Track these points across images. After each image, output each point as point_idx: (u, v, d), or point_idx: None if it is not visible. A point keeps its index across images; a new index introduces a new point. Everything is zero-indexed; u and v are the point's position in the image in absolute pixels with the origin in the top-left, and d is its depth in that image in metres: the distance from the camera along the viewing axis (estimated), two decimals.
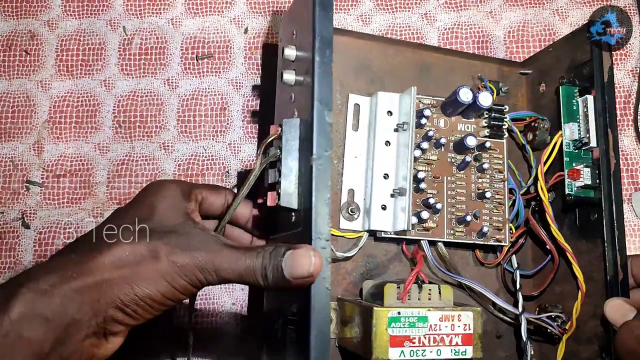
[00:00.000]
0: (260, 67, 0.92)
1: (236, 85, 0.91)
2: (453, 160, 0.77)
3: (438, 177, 0.76)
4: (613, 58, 0.74)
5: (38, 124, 0.90)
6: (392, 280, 0.69)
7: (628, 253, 0.71)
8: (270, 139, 0.64)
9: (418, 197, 0.74)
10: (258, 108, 0.91)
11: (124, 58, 0.92)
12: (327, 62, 0.60)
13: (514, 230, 0.79)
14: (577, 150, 0.75)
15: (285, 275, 0.55)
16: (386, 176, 0.74)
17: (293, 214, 0.62)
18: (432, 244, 0.75)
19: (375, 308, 0.64)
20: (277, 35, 0.91)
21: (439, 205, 0.73)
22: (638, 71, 0.90)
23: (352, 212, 0.74)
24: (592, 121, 0.73)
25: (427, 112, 0.75)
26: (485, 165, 0.77)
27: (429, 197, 0.74)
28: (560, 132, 0.76)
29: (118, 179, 0.88)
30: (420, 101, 0.76)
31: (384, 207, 0.73)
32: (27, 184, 0.88)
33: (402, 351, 0.64)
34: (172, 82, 0.91)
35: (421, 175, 0.73)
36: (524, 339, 0.73)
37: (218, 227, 0.68)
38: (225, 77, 0.91)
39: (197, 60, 0.92)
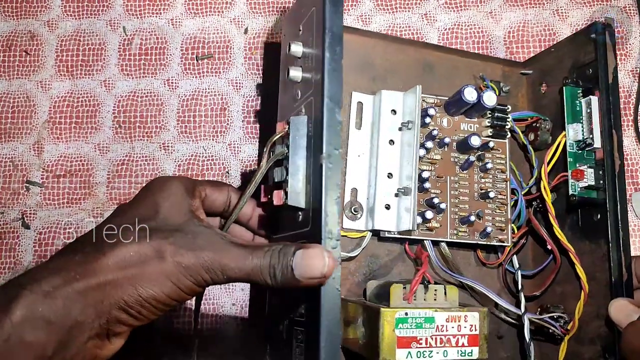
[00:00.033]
0: (260, 67, 0.90)
1: (236, 86, 0.90)
2: (456, 160, 0.75)
3: (441, 176, 0.74)
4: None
5: (38, 124, 0.88)
6: (398, 281, 0.67)
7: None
8: (277, 137, 0.62)
9: (422, 196, 0.73)
10: (258, 108, 0.89)
11: (124, 58, 0.91)
12: (337, 59, 0.58)
13: (515, 231, 0.77)
14: (580, 151, 0.73)
15: (296, 276, 0.53)
16: (390, 175, 0.72)
17: (300, 213, 0.60)
18: (435, 244, 0.74)
19: (382, 309, 0.63)
20: (278, 35, 0.90)
21: (443, 205, 0.72)
22: (638, 71, 0.90)
23: (355, 211, 0.72)
24: (596, 122, 0.72)
25: (431, 111, 0.74)
26: (489, 165, 0.75)
27: (433, 197, 0.72)
28: (563, 133, 0.74)
29: (118, 179, 0.87)
30: (424, 100, 0.75)
31: (387, 207, 0.71)
32: (27, 184, 0.86)
33: (409, 352, 0.63)
34: (172, 83, 0.90)
35: (425, 174, 0.72)
36: (527, 340, 0.72)
37: (225, 226, 0.66)
38: (225, 77, 0.90)
39: (197, 60, 0.91)
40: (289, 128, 0.61)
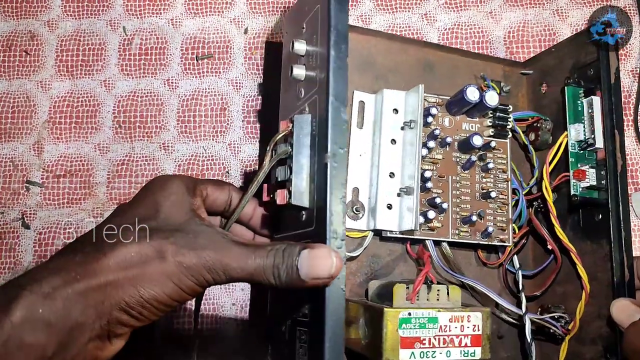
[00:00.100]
0: (260, 67, 0.89)
1: (236, 86, 0.89)
2: (458, 160, 0.75)
3: (443, 176, 0.73)
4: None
5: (38, 124, 0.87)
6: (401, 281, 0.66)
7: None
8: (281, 135, 0.61)
9: (424, 196, 0.72)
10: (258, 108, 0.88)
11: (124, 58, 0.90)
12: (342, 57, 0.57)
13: (517, 231, 0.77)
14: (582, 151, 0.73)
15: (302, 276, 0.52)
16: (392, 175, 0.71)
17: (304, 212, 0.59)
18: (436, 243, 0.73)
19: (385, 309, 0.62)
20: (278, 35, 0.90)
21: (444, 205, 0.71)
22: (638, 71, 0.89)
23: (356, 211, 0.71)
24: (598, 122, 0.71)
25: (433, 111, 0.73)
26: (490, 165, 0.75)
27: (435, 197, 0.71)
28: (565, 133, 0.74)
29: (118, 179, 0.86)
30: (426, 99, 0.74)
31: (389, 206, 0.70)
32: (27, 184, 0.85)
33: (413, 352, 0.62)
34: (172, 83, 0.89)
35: (427, 174, 0.71)
36: (529, 340, 0.72)
37: (226, 226, 0.65)
38: (225, 77, 0.89)
39: (197, 60, 0.90)
40: (292, 126, 0.59)
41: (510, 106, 0.76)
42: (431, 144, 0.72)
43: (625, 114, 0.87)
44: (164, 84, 0.88)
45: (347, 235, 0.70)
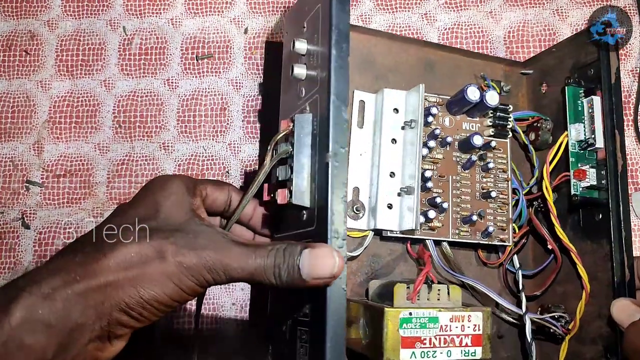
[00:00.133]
0: (260, 67, 0.89)
1: (236, 85, 0.88)
2: (458, 160, 0.74)
3: (443, 176, 0.73)
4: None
5: (38, 124, 0.87)
6: (401, 280, 0.66)
7: None
8: (282, 135, 0.60)
9: (424, 196, 0.72)
10: (258, 108, 0.88)
11: (124, 58, 0.89)
12: (344, 56, 0.57)
13: (517, 230, 0.76)
14: (582, 151, 0.73)
15: (303, 276, 0.52)
16: (392, 174, 0.71)
17: (304, 212, 0.59)
18: (437, 243, 0.73)
19: (386, 309, 0.61)
20: (278, 35, 0.89)
21: (445, 205, 0.71)
22: (638, 71, 0.89)
23: (357, 210, 0.71)
24: (598, 122, 0.71)
25: (434, 110, 0.73)
26: (490, 165, 0.74)
27: (435, 196, 0.71)
28: (565, 133, 0.74)
29: (118, 179, 0.85)
30: (426, 99, 0.73)
31: (390, 206, 0.70)
32: (27, 184, 0.85)
33: (413, 352, 0.61)
34: (172, 82, 0.88)
35: (428, 174, 0.71)
36: (529, 340, 0.72)
37: (227, 226, 0.64)
38: (225, 77, 0.88)
39: (197, 60, 0.89)
40: (293, 126, 0.59)
41: (510, 106, 0.76)
42: (431, 143, 0.72)
43: (625, 114, 0.86)
44: (164, 83, 0.88)
45: (347, 235, 0.70)
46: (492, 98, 0.72)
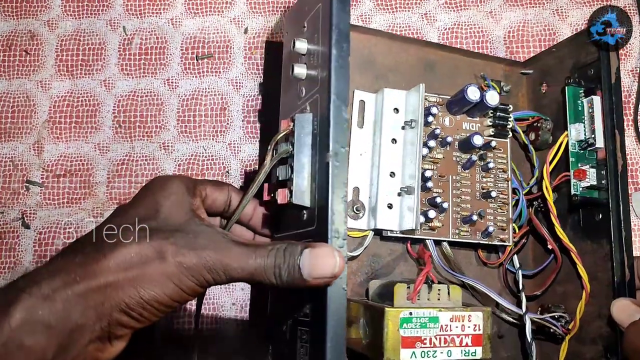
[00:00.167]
0: (260, 67, 0.89)
1: (236, 85, 0.88)
2: (458, 159, 0.74)
3: (443, 175, 0.73)
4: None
5: (38, 124, 0.87)
6: (401, 280, 0.65)
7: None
8: (282, 134, 0.60)
9: (424, 195, 0.71)
10: (258, 108, 0.88)
11: (124, 58, 0.89)
12: (344, 56, 0.56)
13: (517, 230, 0.76)
14: (582, 151, 0.73)
15: (304, 275, 0.52)
16: (392, 174, 0.71)
17: (305, 211, 0.58)
18: (437, 243, 0.73)
19: (387, 309, 0.61)
20: (278, 35, 0.89)
21: (445, 205, 0.71)
22: (638, 71, 0.89)
23: (357, 210, 0.71)
24: (599, 122, 0.71)
25: (434, 110, 0.73)
26: (490, 165, 0.74)
27: (436, 196, 0.71)
28: (565, 133, 0.74)
29: (118, 179, 0.85)
30: (426, 99, 0.73)
31: (390, 206, 0.70)
32: (27, 184, 0.85)
33: (414, 352, 0.61)
34: (172, 82, 0.88)
35: (428, 173, 0.71)
36: (529, 340, 0.72)
37: (227, 226, 0.64)
38: (225, 77, 0.88)
39: (197, 60, 0.89)
40: (293, 126, 0.59)
41: (510, 106, 0.76)
42: (432, 143, 0.71)
43: (625, 113, 0.86)
44: (164, 83, 0.88)
45: (347, 235, 0.70)
46: (492, 98, 0.72)
